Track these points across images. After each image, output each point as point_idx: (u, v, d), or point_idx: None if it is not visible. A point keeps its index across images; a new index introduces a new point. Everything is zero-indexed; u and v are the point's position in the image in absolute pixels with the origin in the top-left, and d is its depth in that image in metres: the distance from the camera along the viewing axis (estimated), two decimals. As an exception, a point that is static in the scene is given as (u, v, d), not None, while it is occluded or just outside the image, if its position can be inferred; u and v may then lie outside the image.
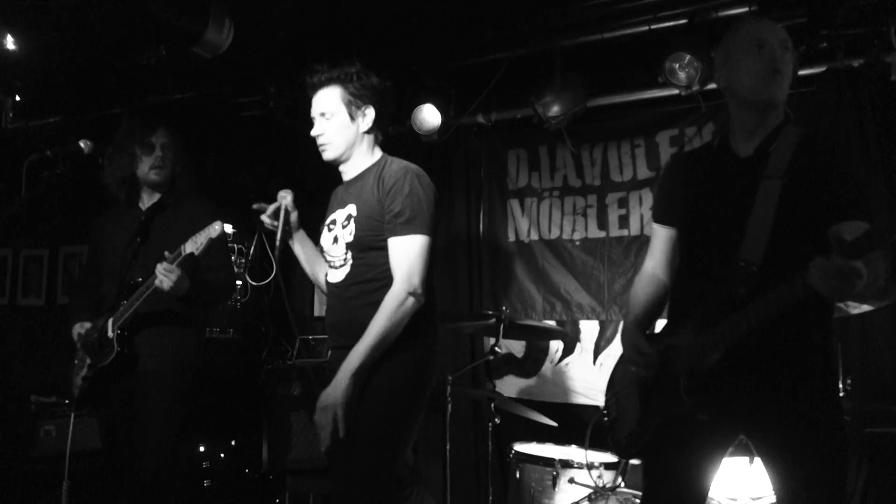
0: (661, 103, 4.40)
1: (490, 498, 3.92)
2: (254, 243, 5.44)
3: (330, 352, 2.80)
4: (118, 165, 3.40)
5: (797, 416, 2.04)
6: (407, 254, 2.53)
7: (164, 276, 2.99)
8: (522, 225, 5.05)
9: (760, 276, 2.03)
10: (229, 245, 3.63)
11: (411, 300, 2.50)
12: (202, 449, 4.55)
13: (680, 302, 2.31)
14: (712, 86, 4.12)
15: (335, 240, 2.70)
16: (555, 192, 4.96)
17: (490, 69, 4.65)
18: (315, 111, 2.69)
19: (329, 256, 2.73)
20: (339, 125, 2.66)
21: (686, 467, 2.20)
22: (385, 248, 2.57)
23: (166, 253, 3.03)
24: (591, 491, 3.41)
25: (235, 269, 3.70)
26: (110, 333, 3.16)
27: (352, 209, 2.65)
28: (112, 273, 3.32)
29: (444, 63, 4.67)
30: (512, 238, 5.08)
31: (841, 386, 3.42)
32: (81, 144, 3.04)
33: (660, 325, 2.44)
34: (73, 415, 3.37)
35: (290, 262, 5.85)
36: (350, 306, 2.62)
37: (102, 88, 5.15)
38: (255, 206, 2.81)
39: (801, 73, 3.90)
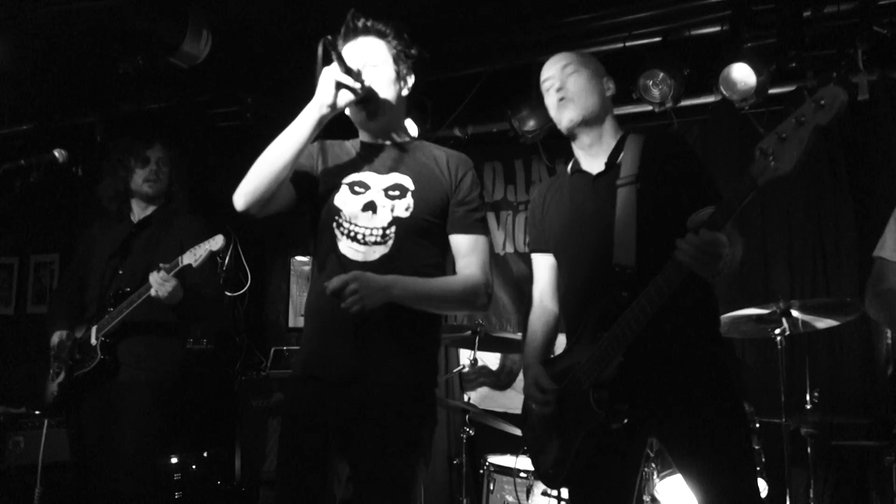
0: (635, 119, 4.45)
1: (464, 510, 3.93)
2: (228, 254, 5.42)
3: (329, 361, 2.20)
4: (112, 177, 3.41)
5: (699, 413, 2.11)
6: (482, 253, 2.27)
7: (161, 284, 2.97)
8: (498, 238, 5.08)
9: (637, 276, 2.10)
10: (217, 264, 3.60)
11: (484, 299, 2.25)
12: (174, 460, 4.51)
13: (572, 320, 2.35)
14: (685, 102, 4.20)
15: (370, 207, 2.21)
16: (530, 204, 5.00)
17: (467, 83, 4.69)
18: (358, 59, 2.18)
19: (353, 225, 2.20)
20: (386, 77, 2.23)
21: (609, 483, 2.24)
22: (436, 240, 2.26)
23: (161, 264, 3.03)
24: (564, 503, 3.43)
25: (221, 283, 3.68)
26: (93, 341, 3.15)
27: (406, 181, 2.23)
28: (95, 283, 3.31)
29: (420, 76, 4.69)
30: (487, 250, 5.10)
31: (808, 399, 3.49)
32: (56, 153, 3.02)
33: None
34: (46, 421, 3.32)
35: (263, 272, 5.85)
36: (394, 320, 2.15)
37: (77, 96, 5.11)
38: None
39: (771, 91, 3.99)
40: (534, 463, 2.44)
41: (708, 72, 3.99)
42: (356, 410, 2.13)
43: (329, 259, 2.21)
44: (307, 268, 5.71)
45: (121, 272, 3.28)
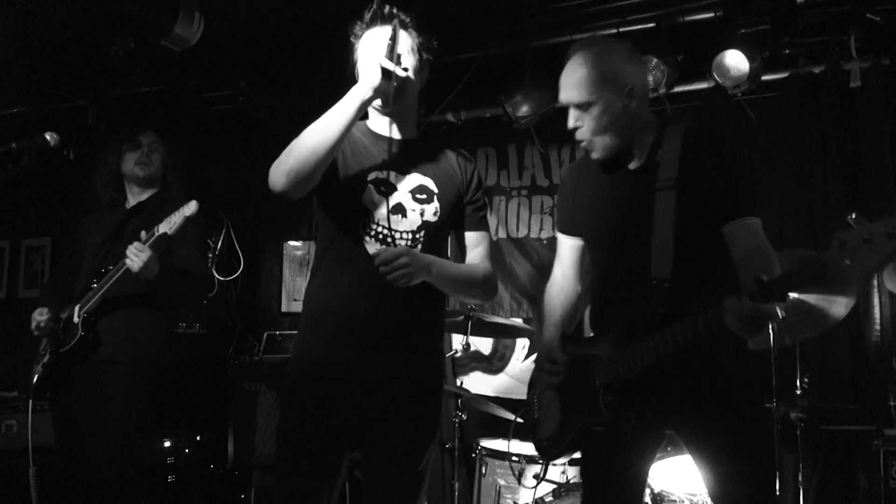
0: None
1: (456, 494, 3.95)
2: (221, 237, 5.41)
3: (336, 352, 2.22)
4: (105, 164, 3.42)
5: (719, 413, 2.11)
6: (487, 247, 2.42)
7: (135, 255, 2.92)
8: (490, 223, 5.05)
9: (672, 291, 2.09)
10: (207, 251, 3.58)
11: (496, 288, 2.44)
12: (167, 444, 4.52)
13: (599, 313, 2.35)
14: (679, 88, 4.21)
15: (400, 210, 2.24)
16: (523, 191, 5.02)
17: (460, 68, 4.68)
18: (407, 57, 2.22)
19: (383, 228, 2.21)
20: (413, 66, 2.24)
21: (619, 470, 2.25)
22: (446, 236, 2.39)
23: (142, 233, 2.99)
24: (555, 486, 3.46)
25: (210, 266, 3.67)
26: (76, 318, 3.14)
27: (429, 183, 2.28)
28: (87, 268, 3.31)
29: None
30: (480, 236, 5.11)
31: (798, 384, 3.52)
32: (48, 137, 3.00)
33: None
34: (30, 402, 3.31)
35: (256, 256, 5.85)
36: (408, 301, 2.20)
37: (69, 80, 5.08)
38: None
39: (764, 78, 4.00)
40: (532, 428, 2.49)
41: (701, 58, 3.99)
42: (381, 408, 2.21)
43: (351, 258, 2.22)
44: (300, 252, 5.71)
45: (110, 256, 3.26)
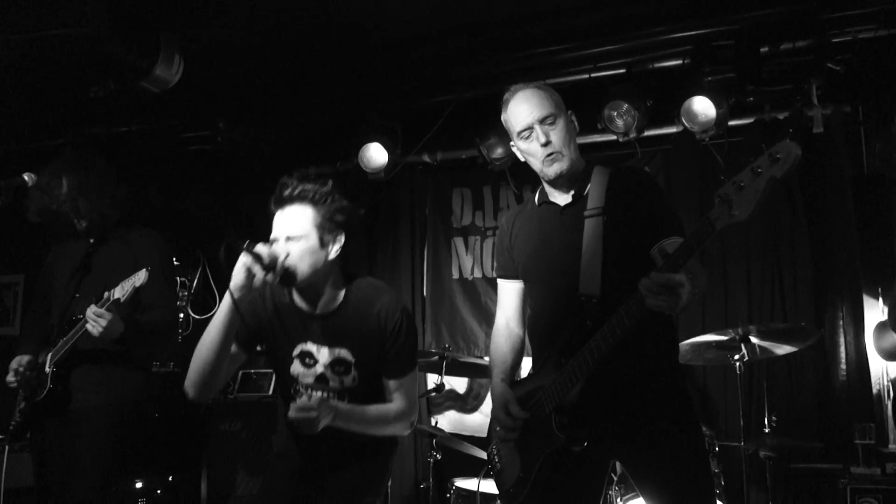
0: (600, 148, 4.55)
1: (430, 533, 3.94)
2: (197, 275, 5.41)
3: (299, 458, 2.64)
4: (46, 221, 3.30)
5: (659, 437, 2.18)
6: (410, 389, 2.58)
7: (94, 321, 2.92)
8: (466, 262, 5.14)
9: (601, 305, 2.18)
10: (175, 279, 3.55)
11: (409, 430, 2.61)
12: (139, 485, 4.46)
13: (538, 346, 2.44)
14: (648, 132, 4.32)
15: (322, 380, 2.52)
16: (498, 232, 5.07)
17: (436, 110, 4.77)
18: (279, 231, 2.41)
19: (309, 390, 2.54)
20: (306, 249, 2.39)
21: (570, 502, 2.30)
22: (376, 387, 2.56)
23: (95, 299, 2.98)
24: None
25: (178, 304, 3.64)
26: (47, 369, 3.11)
27: (345, 354, 2.49)
28: (57, 304, 3.27)
29: (391, 103, 4.77)
30: (456, 275, 5.16)
31: (766, 422, 3.58)
32: (26, 177, 3.03)
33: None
34: (6, 448, 3.26)
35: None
36: (340, 440, 2.47)
37: (48, 120, 5.10)
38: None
39: (731, 123, 4.13)
40: (496, 481, 2.50)
41: (670, 104, 4.11)
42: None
43: (293, 390, 2.56)
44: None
45: (77, 295, 3.22)
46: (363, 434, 2.49)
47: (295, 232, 2.39)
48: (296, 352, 2.53)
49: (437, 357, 3.93)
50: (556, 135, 2.33)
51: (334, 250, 2.45)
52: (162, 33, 3.84)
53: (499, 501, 3.59)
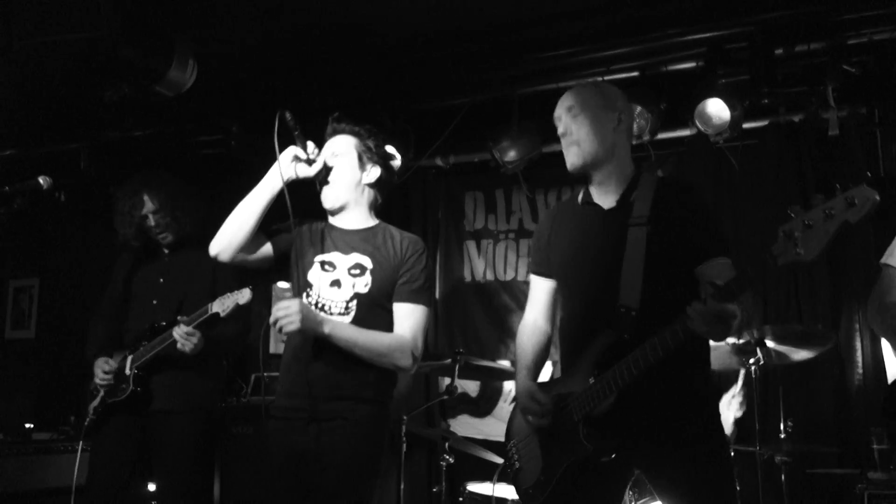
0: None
1: (443, 538, 3.93)
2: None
3: (291, 398, 2.61)
4: (126, 237, 3.47)
5: (686, 453, 2.15)
6: (416, 320, 2.62)
7: (185, 340, 3.11)
8: (479, 266, 5.13)
9: (640, 319, 2.15)
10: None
11: (409, 360, 2.59)
12: (151, 488, 4.47)
13: (569, 350, 2.40)
14: (662, 135, 4.30)
15: (336, 283, 2.61)
16: (510, 235, 5.07)
17: (449, 113, 4.77)
18: (327, 151, 2.69)
19: (321, 298, 2.61)
20: (346, 162, 2.68)
21: None
22: (388, 313, 2.62)
23: (183, 318, 3.15)
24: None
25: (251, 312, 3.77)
26: (128, 371, 3.25)
27: (365, 261, 2.63)
28: (136, 310, 3.42)
29: (404, 106, 4.77)
30: (468, 279, 5.16)
31: (782, 428, 3.54)
32: (41, 180, 3.04)
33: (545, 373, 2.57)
34: (81, 443, 3.51)
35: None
36: (340, 361, 2.53)
37: (62, 124, 5.13)
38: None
39: (745, 126, 4.10)
40: (512, 479, 2.49)
41: (684, 106, 4.08)
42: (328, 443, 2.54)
43: None
44: (288, 294, 5.69)
45: (155, 302, 3.40)
46: (360, 372, 2.52)
47: (339, 150, 2.69)
48: (318, 259, 2.66)
49: (449, 360, 3.91)
50: (577, 127, 2.32)
51: (369, 175, 2.72)
52: (176, 37, 3.86)
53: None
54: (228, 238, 2.61)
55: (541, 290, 2.57)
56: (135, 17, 3.72)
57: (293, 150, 2.60)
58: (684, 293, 1.96)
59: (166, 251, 3.51)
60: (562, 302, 2.49)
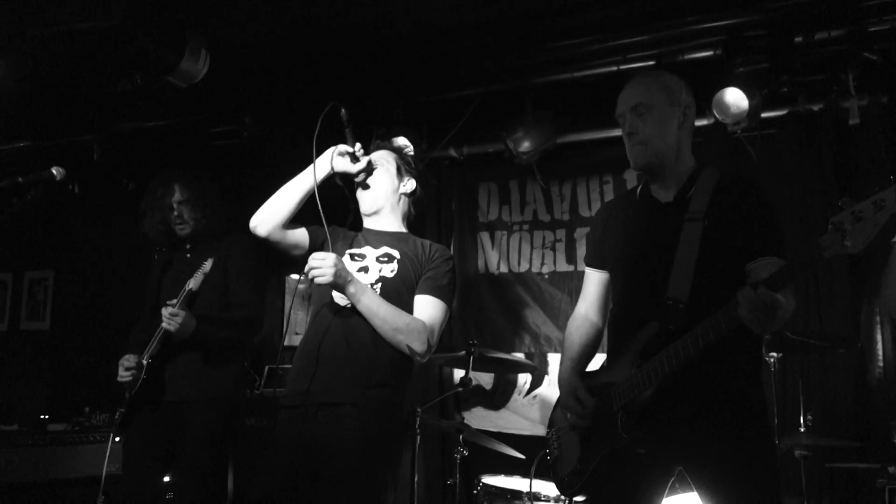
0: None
1: (457, 530, 3.92)
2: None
3: (301, 383, 2.63)
4: (151, 223, 3.56)
5: (729, 449, 2.12)
6: (435, 312, 2.69)
7: (169, 320, 3.17)
8: (492, 257, 5.10)
9: (688, 312, 2.12)
10: (262, 283, 3.77)
11: (423, 346, 2.63)
12: (166, 479, 4.48)
13: (616, 340, 2.39)
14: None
15: (364, 269, 2.73)
16: (524, 226, 5.04)
17: (463, 104, 4.73)
18: (371, 156, 2.85)
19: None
20: (385, 170, 2.84)
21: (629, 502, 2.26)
22: (408, 305, 2.68)
23: (169, 301, 3.26)
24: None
25: (262, 303, 3.80)
26: (144, 361, 3.31)
27: (394, 252, 2.75)
28: (158, 307, 3.44)
29: (417, 97, 4.74)
30: (482, 270, 5.13)
31: (802, 421, 3.50)
32: (54, 171, 3.03)
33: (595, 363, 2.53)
34: (111, 435, 3.54)
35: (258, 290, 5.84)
36: (359, 340, 2.60)
37: (75, 115, 5.14)
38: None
39: (764, 115, 4.04)
40: (551, 467, 2.50)
41: (701, 95, 4.01)
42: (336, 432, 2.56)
43: (323, 306, 2.70)
44: (302, 286, 5.71)
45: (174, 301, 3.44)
46: (372, 356, 2.58)
47: (381, 161, 2.85)
48: (348, 251, 2.79)
49: (463, 352, 3.89)
50: (643, 127, 2.28)
51: (406, 186, 2.88)
52: (188, 27, 3.84)
53: (523, 498, 3.56)
54: (268, 213, 2.73)
55: (593, 282, 2.56)
56: (147, 7, 3.70)
57: (342, 146, 2.74)
58: (734, 289, 1.92)
59: (188, 255, 3.54)
60: (614, 292, 2.48)
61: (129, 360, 3.35)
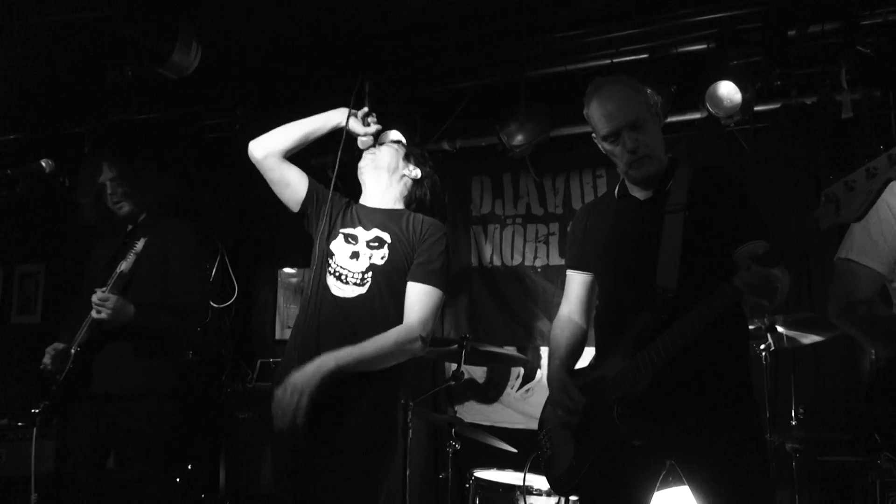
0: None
1: (449, 524, 3.91)
2: (215, 265, 5.41)
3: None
4: (88, 209, 3.41)
5: (722, 441, 2.12)
6: (427, 301, 2.58)
7: (100, 306, 3.01)
8: (485, 251, 5.09)
9: (678, 300, 2.13)
10: (204, 269, 3.58)
11: (419, 344, 2.53)
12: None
13: (605, 336, 2.38)
14: (672, 118, 4.24)
15: (355, 255, 2.64)
16: (517, 220, 5.03)
17: (456, 97, 4.72)
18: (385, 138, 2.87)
19: (338, 267, 2.63)
20: (394, 150, 2.84)
21: (622, 499, 2.26)
22: (401, 291, 2.60)
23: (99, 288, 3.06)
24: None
25: (207, 291, 3.66)
26: (71, 350, 3.15)
27: (385, 236, 2.66)
28: (91, 292, 3.26)
29: (410, 89, 4.72)
30: (475, 263, 5.12)
31: (793, 414, 3.51)
32: (43, 164, 3.02)
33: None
34: (34, 432, 3.42)
35: (250, 284, 5.83)
36: (353, 326, 2.52)
37: (66, 106, 5.10)
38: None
39: (757, 108, 4.04)
40: (544, 466, 2.48)
41: (694, 89, 4.02)
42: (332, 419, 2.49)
43: (316, 290, 2.61)
44: (294, 280, 5.70)
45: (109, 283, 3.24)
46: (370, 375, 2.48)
47: (389, 143, 2.89)
48: (343, 231, 2.72)
49: (455, 346, 3.88)
50: (645, 139, 2.27)
51: (409, 171, 2.83)
52: (180, 19, 3.82)
53: (515, 492, 3.55)
54: (269, 140, 2.72)
55: (576, 284, 2.56)
56: (138, -2, 3.68)
57: (354, 109, 2.75)
58: (722, 276, 1.94)
59: (126, 240, 3.35)
60: (598, 291, 2.48)
61: (54, 349, 3.20)
